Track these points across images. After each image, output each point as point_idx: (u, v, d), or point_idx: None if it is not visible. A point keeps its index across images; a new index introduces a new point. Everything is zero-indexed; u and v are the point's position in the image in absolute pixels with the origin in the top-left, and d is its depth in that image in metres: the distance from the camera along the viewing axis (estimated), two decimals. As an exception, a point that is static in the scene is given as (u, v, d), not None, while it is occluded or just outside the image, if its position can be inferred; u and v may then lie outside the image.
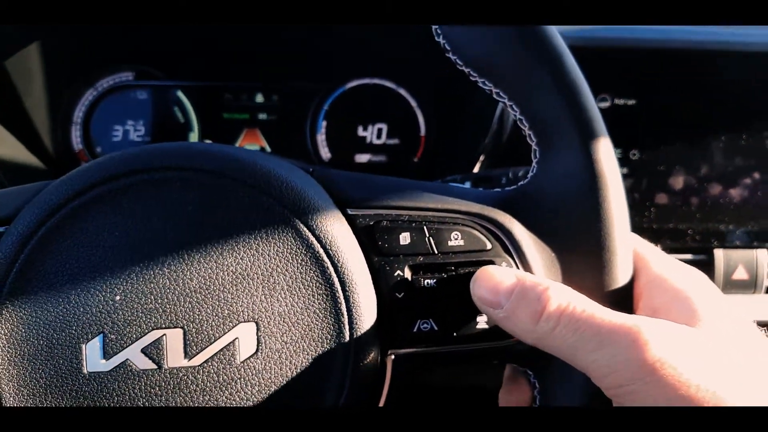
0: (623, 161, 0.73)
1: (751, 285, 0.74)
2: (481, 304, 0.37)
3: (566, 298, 0.35)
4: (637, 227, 0.73)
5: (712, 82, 0.74)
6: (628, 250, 0.38)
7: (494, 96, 0.39)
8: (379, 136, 0.86)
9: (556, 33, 0.38)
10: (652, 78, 0.74)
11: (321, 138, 0.86)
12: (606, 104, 0.73)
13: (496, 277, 0.36)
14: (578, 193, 0.37)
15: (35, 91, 0.81)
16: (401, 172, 0.86)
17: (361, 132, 0.86)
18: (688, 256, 0.74)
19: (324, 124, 0.86)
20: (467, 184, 0.60)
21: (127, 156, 0.37)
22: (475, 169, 0.76)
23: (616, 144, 0.72)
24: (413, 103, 0.86)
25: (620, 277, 0.38)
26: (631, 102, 0.73)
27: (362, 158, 0.86)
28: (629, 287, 0.38)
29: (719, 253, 0.74)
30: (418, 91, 0.86)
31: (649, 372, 0.32)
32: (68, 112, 0.84)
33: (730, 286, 0.74)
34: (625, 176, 0.73)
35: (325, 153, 0.86)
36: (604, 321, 0.33)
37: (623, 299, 0.38)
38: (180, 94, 0.85)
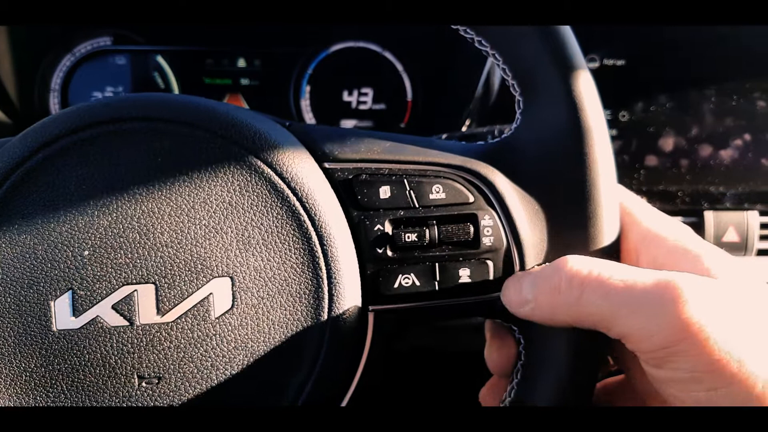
0: (612, 122, 0.72)
1: (741, 247, 0.73)
2: (514, 308, 0.36)
3: (588, 265, 0.34)
4: (627, 189, 0.72)
5: (702, 43, 0.73)
6: (614, 201, 0.37)
7: (476, 45, 0.38)
8: (364, 101, 0.84)
9: None
10: (642, 38, 0.72)
11: (305, 103, 0.84)
12: (595, 65, 0.71)
13: (517, 280, 0.36)
14: (562, 142, 0.36)
15: (11, 58, 0.79)
16: (388, 138, 0.85)
17: (346, 97, 0.84)
18: (679, 219, 0.73)
19: (308, 89, 0.84)
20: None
21: (94, 106, 0.36)
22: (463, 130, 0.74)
23: (606, 105, 0.70)
24: (399, 67, 0.84)
25: (607, 228, 0.37)
26: (620, 62, 0.72)
27: (348, 124, 0.85)
28: (617, 239, 0.37)
29: (709, 215, 0.73)
30: (404, 54, 0.84)
31: (690, 335, 0.30)
32: (46, 79, 0.82)
33: (720, 248, 0.73)
34: (614, 138, 0.72)
35: (309, 118, 0.84)
36: (637, 282, 0.32)
37: (612, 251, 0.37)
38: (160, 59, 0.83)
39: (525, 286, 0.35)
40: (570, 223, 0.37)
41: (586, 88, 0.36)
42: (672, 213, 0.73)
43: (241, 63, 0.84)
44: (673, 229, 0.37)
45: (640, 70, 0.72)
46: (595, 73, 0.73)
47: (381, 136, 0.38)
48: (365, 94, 0.84)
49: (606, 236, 0.37)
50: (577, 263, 0.34)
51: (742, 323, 0.31)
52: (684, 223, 0.73)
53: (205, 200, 0.35)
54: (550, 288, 0.34)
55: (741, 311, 0.32)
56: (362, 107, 0.84)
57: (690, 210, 0.73)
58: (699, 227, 0.73)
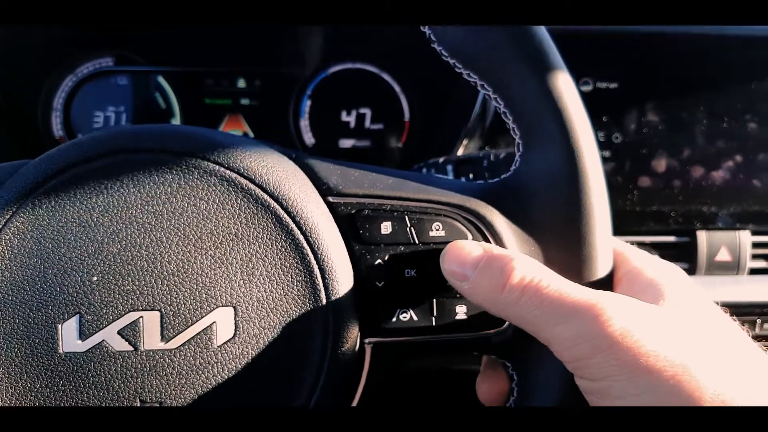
0: (606, 144, 0.73)
1: (734, 266, 0.74)
2: (450, 277, 0.37)
3: (531, 271, 0.35)
4: (621, 210, 0.73)
5: (694, 66, 0.74)
6: (608, 245, 0.38)
7: (479, 88, 0.38)
8: (363, 121, 0.86)
9: (543, 29, 0.37)
10: (634, 62, 0.74)
11: (304, 123, 0.85)
12: (588, 88, 0.73)
13: (464, 250, 0.37)
14: (560, 187, 0.37)
15: (14, 78, 0.80)
16: (386, 157, 0.86)
17: (344, 117, 0.85)
18: (672, 239, 0.74)
19: (307, 109, 0.85)
20: (449, 167, 0.60)
21: (106, 136, 0.37)
22: (459, 152, 0.76)
23: (599, 127, 0.72)
24: (396, 88, 0.85)
25: (599, 272, 0.38)
26: (613, 85, 0.73)
27: (346, 143, 0.86)
28: (609, 281, 0.38)
29: (702, 235, 0.74)
30: (401, 75, 0.85)
31: (610, 344, 0.32)
32: (48, 99, 0.83)
33: (713, 267, 0.74)
34: (607, 159, 0.73)
35: (308, 138, 0.85)
36: (569, 296, 0.33)
37: (603, 288, 0.38)
38: (161, 79, 0.84)
39: (469, 265, 0.36)
40: (564, 265, 0.37)
41: (583, 135, 0.37)
42: (665, 233, 0.74)
43: (241, 83, 0.85)
44: (655, 267, 0.38)
45: (633, 92, 0.74)
46: (588, 96, 0.74)
47: (384, 172, 0.39)
48: (363, 115, 0.85)
49: (599, 276, 0.38)
50: (522, 268, 0.35)
51: (675, 332, 0.33)
52: (677, 242, 0.74)
53: (212, 231, 0.35)
54: (493, 284, 0.35)
55: (675, 323, 0.34)
56: (361, 127, 0.86)
57: (683, 230, 0.74)
58: (692, 247, 0.74)
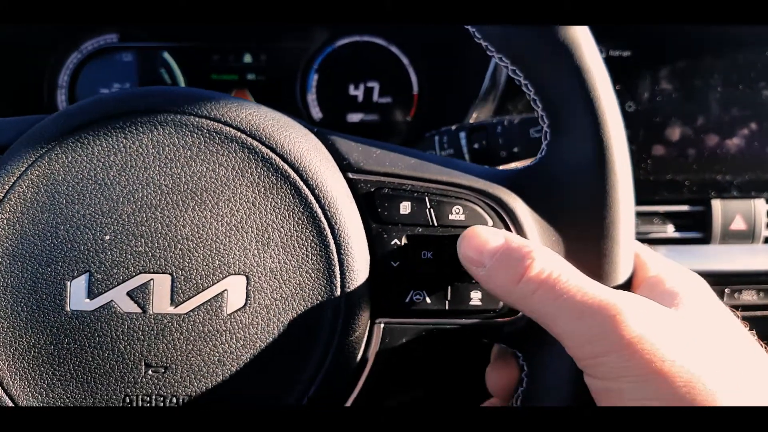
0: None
1: (749, 235, 0.73)
2: (466, 262, 0.36)
3: (551, 264, 0.34)
4: (635, 179, 0.72)
5: (707, 33, 0.73)
6: (631, 241, 0.38)
7: (510, 73, 0.38)
8: (371, 95, 0.85)
9: None
10: (647, 29, 0.73)
11: (312, 98, 0.84)
12: (601, 56, 0.71)
13: (482, 236, 0.36)
14: (587, 180, 0.36)
15: (19, 55, 0.79)
16: (394, 131, 0.85)
17: (352, 91, 0.85)
18: (686, 208, 0.73)
19: (314, 83, 0.84)
20: (462, 134, 0.59)
21: (128, 95, 0.36)
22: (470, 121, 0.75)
23: (612, 95, 0.70)
24: (405, 61, 0.84)
25: (621, 266, 0.37)
26: (626, 53, 0.72)
27: (354, 117, 0.85)
28: (629, 279, 0.38)
29: (717, 204, 0.73)
30: (409, 48, 0.84)
31: (625, 346, 0.31)
32: (53, 76, 0.82)
33: (728, 236, 0.73)
34: (621, 128, 0.72)
35: (316, 113, 0.84)
36: (587, 293, 0.33)
37: (621, 288, 0.37)
38: (166, 55, 0.83)
39: (487, 252, 0.35)
40: (585, 258, 0.37)
41: (615, 128, 0.36)
42: (679, 202, 0.73)
43: (248, 58, 0.84)
44: (676, 274, 0.38)
45: (646, 60, 0.72)
46: (601, 63, 0.73)
47: (406, 152, 0.39)
48: (371, 88, 0.84)
49: (619, 274, 0.37)
50: (541, 260, 0.34)
51: (689, 339, 0.33)
52: (691, 212, 0.74)
53: (229, 198, 0.35)
54: (510, 275, 0.34)
55: (690, 330, 0.33)
56: (369, 101, 0.85)
57: (697, 199, 0.73)
58: (707, 216, 0.73)
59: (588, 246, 0.37)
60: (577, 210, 0.37)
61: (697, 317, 0.35)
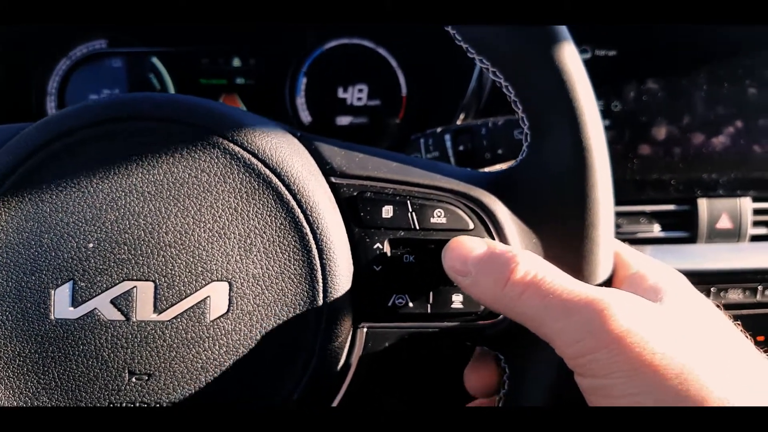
0: (605, 113, 0.72)
1: (735, 234, 0.74)
2: (451, 272, 0.36)
3: (534, 267, 0.34)
4: (621, 179, 0.73)
5: (692, 32, 0.73)
6: (610, 242, 0.38)
7: (490, 75, 0.38)
8: (360, 98, 0.85)
9: None
10: (633, 28, 0.73)
11: (300, 101, 0.84)
12: (587, 56, 0.72)
13: (466, 245, 0.36)
14: (567, 181, 0.37)
15: (7, 62, 0.79)
16: (383, 133, 0.85)
17: (341, 94, 0.85)
18: (672, 207, 0.74)
19: (303, 86, 0.84)
20: (447, 136, 0.59)
21: (111, 102, 0.36)
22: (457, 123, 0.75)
23: (598, 95, 0.71)
24: (393, 63, 0.85)
25: (601, 268, 0.37)
26: (611, 53, 0.72)
27: (343, 120, 0.85)
28: (608, 279, 0.38)
29: (703, 203, 0.74)
30: (398, 50, 0.85)
31: (614, 341, 0.31)
32: (42, 83, 0.83)
33: (714, 235, 0.74)
34: (607, 128, 0.72)
35: (305, 116, 0.85)
36: (573, 291, 0.33)
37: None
38: (155, 60, 0.83)
39: (471, 260, 0.36)
40: (565, 259, 0.37)
41: (594, 130, 0.36)
42: (665, 201, 0.74)
43: (236, 62, 0.84)
44: (657, 271, 0.38)
45: (632, 59, 0.73)
46: (587, 63, 0.73)
47: (388, 156, 0.39)
48: (360, 91, 0.85)
49: (599, 274, 0.38)
50: (525, 264, 0.34)
51: (677, 331, 0.33)
52: (677, 211, 0.74)
53: (211, 204, 0.35)
54: (495, 280, 0.35)
55: (677, 322, 0.34)
56: (357, 103, 0.85)
57: (683, 198, 0.74)
58: (692, 215, 0.74)
59: (568, 247, 0.37)
60: (557, 212, 0.37)
61: (683, 310, 0.35)
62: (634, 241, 0.73)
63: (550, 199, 0.37)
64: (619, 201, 0.72)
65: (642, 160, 0.73)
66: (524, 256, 0.35)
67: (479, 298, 0.36)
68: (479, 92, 0.76)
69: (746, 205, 0.74)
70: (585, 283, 0.35)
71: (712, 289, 0.73)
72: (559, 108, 0.36)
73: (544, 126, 0.37)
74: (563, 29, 0.37)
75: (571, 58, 0.36)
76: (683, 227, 0.74)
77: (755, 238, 0.75)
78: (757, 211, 0.75)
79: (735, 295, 0.74)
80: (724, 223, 0.74)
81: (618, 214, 0.73)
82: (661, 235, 0.74)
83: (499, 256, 0.35)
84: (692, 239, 0.74)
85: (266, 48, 0.84)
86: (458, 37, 0.38)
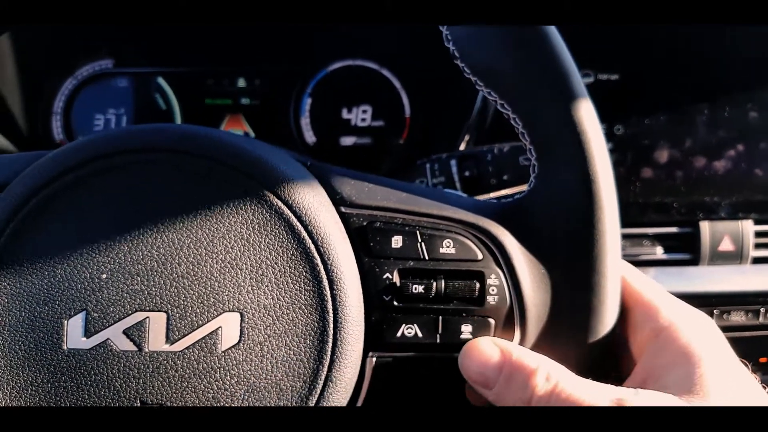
0: (608, 136, 0.73)
1: (737, 256, 0.74)
2: (471, 380, 0.37)
3: (551, 381, 0.35)
4: (623, 202, 0.73)
5: (693, 56, 0.74)
6: (618, 274, 0.38)
7: (498, 107, 0.38)
8: (363, 118, 0.86)
9: (565, 50, 0.37)
10: (635, 53, 0.74)
11: (305, 121, 0.85)
12: (589, 80, 0.73)
13: (484, 354, 0.36)
14: (575, 214, 0.37)
15: (13, 82, 0.80)
16: (387, 154, 0.86)
17: (345, 114, 0.85)
18: (674, 229, 0.74)
19: (308, 107, 0.85)
20: (453, 162, 0.60)
21: (124, 134, 0.37)
22: (461, 147, 0.76)
23: (601, 119, 0.72)
24: (397, 84, 0.85)
25: (609, 299, 0.38)
26: (614, 77, 0.73)
27: (347, 141, 0.86)
28: (617, 311, 0.38)
29: (705, 225, 0.74)
30: (401, 71, 0.85)
31: None
32: (48, 103, 0.83)
33: (716, 257, 0.74)
34: (610, 151, 0.72)
35: (309, 137, 0.85)
36: (587, 404, 0.33)
37: (611, 322, 0.38)
38: (161, 80, 0.84)
39: (490, 370, 0.36)
40: (574, 292, 0.37)
41: (602, 164, 0.37)
42: (668, 224, 0.74)
43: (241, 83, 0.85)
44: (686, 325, 0.37)
45: (634, 84, 0.74)
46: (589, 87, 0.73)
47: (398, 186, 0.39)
48: (364, 111, 0.85)
49: (607, 308, 0.38)
50: (543, 381, 0.35)
51: None
52: (680, 233, 0.74)
53: (224, 235, 0.35)
54: (519, 398, 0.35)
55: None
56: (361, 124, 0.86)
57: (686, 221, 0.74)
58: (695, 237, 0.74)
59: (576, 279, 0.37)
60: (564, 244, 0.37)
61: (716, 402, 0.34)
62: (638, 263, 0.74)
63: (557, 232, 0.38)
64: (622, 223, 0.73)
65: (644, 183, 0.74)
66: (541, 370, 0.35)
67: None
68: (483, 113, 0.77)
69: (748, 227, 0.74)
70: (592, 326, 0.35)
71: (714, 311, 0.73)
72: (566, 141, 0.37)
73: (552, 158, 0.37)
74: (570, 61, 0.37)
75: (578, 92, 0.37)
76: (686, 249, 0.75)
77: (757, 261, 0.75)
78: (759, 234, 0.75)
79: (738, 317, 0.74)
80: (726, 245, 0.74)
81: (621, 237, 0.73)
82: (664, 257, 0.74)
83: (518, 370, 0.36)
84: (695, 261, 0.74)
85: (271, 69, 0.85)
86: (467, 71, 0.38)
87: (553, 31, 0.37)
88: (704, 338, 0.37)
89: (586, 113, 0.37)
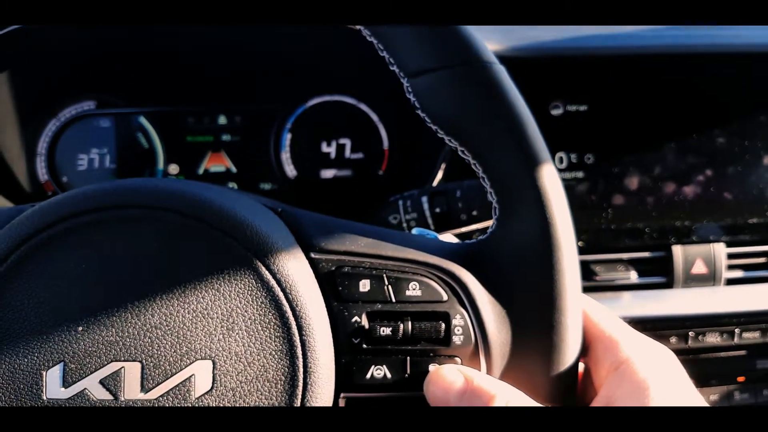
0: (578, 165, 0.75)
1: (710, 278, 0.76)
2: (436, 405, 0.38)
3: (511, 401, 0.36)
4: (596, 228, 0.75)
5: (660, 85, 0.76)
6: (578, 311, 0.40)
7: (459, 153, 0.40)
8: (343, 152, 0.87)
9: (519, 97, 0.39)
10: (603, 84, 0.76)
11: (285, 156, 0.87)
12: (559, 111, 0.74)
13: (446, 380, 0.38)
14: (534, 254, 0.38)
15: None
16: (367, 185, 0.88)
17: (325, 148, 0.87)
18: (647, 254, 0.76)
19: (288, 142, 0.87)
20: (424, 198, 0.61)
21: (97, 191, 0.38)
22: (438, 176, 0.77)
23: (571, 149, 0.73)
24: (374, 118, 0.87)
25: (570, 335, 0.39)
26: (582, 108, 0.75)
27: (328, 174, 0.87)
28: (578, 346, 0.40)
29: (677, 249, 0.76)
30: (378, 105, 0.87)
31: None
32: (32, 144, 0.84)
33: (690, 280, 0.76)
34: (580, 180, 0.75)
35: (290, 170, 0.87)
36: None
37: (573, 357, 0.39)
38: (143, 120, 0.85)
39: (453, 395, 0.37)
40: (536, 329, 0.39)
41: (558, 205, 0.38)
42: (641, 248, 0.76)
43: (222, 120, 0.86)
44: (647, 359, 0.39)
45: (603, 113, 0.75)
46: (559, 119, 0.76)
47: (365, 230, 0.41)
48: (343, 145, 0.87)
49: (569, 343, 0.39)
50: (502, 400, 0.36)
51: None
52: (653, 258, 0.76)
53: (195, 286, 0.37)
54: None
55: None
56: (341, 157, 0.87)
57: (659, 245, 0.76)
58: (668, 261, 0.76)
59: (537, 317, 0.39)
60: (525, 283, 0.39)
61: None
62: (613, 288, 0.75)
63: (518, 271, 0.39)
64: (596, 249, 0.75)
65: (616, 210, 0.75)
66: (500, 395, 0.37)
67: None
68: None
69: (720, 250, 0.76)
70: (551, 357, 0.36)
71: (690, 333, 0.75)
72: (524, 187, 0.38)
73: (511, 202, 0.39)
74: (524, 109, 0.39)
75: (534, 140, 0.38)
76: (660, 273, 0.76)
77: (730, 282, 0.77)
78: (731, 255, 0.77)
79: (713, 338, 0.76)
80: (699, 268, 0.76)
81: (595, 262, 0.75)
82: (639, 281, 0.76)
83: (478, 397, 0.37)
84: (669, 284, 0.76)
85: (251, 106, 0.87)
86: (427, 120, 0.40)
87: (505, 77, 0.39)
88: (662, 371, 0.38)
89: (544, 160, 0.38)
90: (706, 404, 0.38)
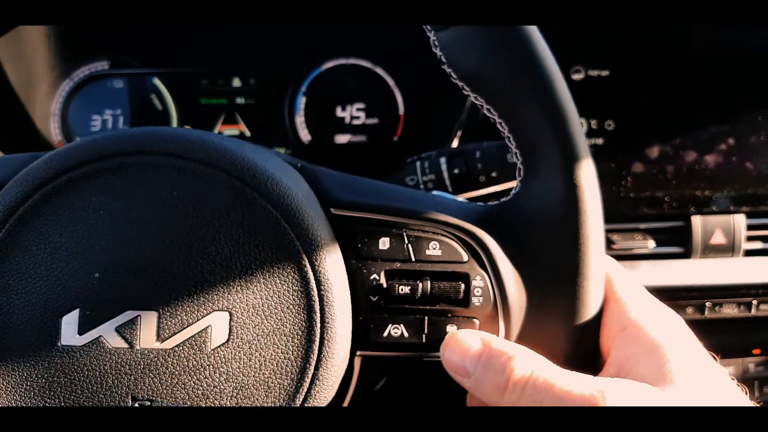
0: (599, 132, 0.73)
1: (729, 249, 0.75)
2: (452, 371, 0.38)
3: (529, 368, 0.35)
4: (615, 196, 0.74)
5: (683, 51, 0.75)
6: (601, 277, 0.39)
7: (484, 112, 0.39)
8: (358, 116, 0.86)
9: (549, 55, 0.38)
10: (625, 49, 0.74)
11: (300, 120, 0.86)
12: (580, 76, 0.73)
13: (464, 343, 0.37)
14: (558, 218, 0.38)
15: (12, 85, 0.81)
16: (382, 151, 0.87)
17: (339, 112, 0.86)
18: (666, 224, 0.75)
19: (302, 106, 0.86)
20: (442, 159, 0.61)
21: (119, 137, 0.38)
22: (453, 144, 0.76)
23: (592, 115, 0.72)
24: (390, 82, 0.86)
25: (591, 301, 0.38)
26: (604, 73, 0.74)
27: (342, 139, 0.86)
28: (599, 313, 0.39)
29: (696, 219, 0.75)
30: (394, 69, 0.86)
31: None
32: (46, 104, 0.84)
33: (708, 250, 0.75)
34: (601, 146, 0.73)
35: (304, 135, 0.86)
36: (565, 391, 0.34)
37: (593, 324, 0.39)
38: (156, 81, 0.84)
39: (469, 359, 0.37)
40: (557, 293, 0.38)
41: (585, 167, 0.37)
42: (659, 218, 0.75)
43: (236, 83, 0.85)
44: (654, 321, 0.38)
45: (625, 79, 0.74)
46: (580, 84, 0.75)
47: (386, 189, 0.40)
48: (359, 110, 0.86)
49: (591, 307, 0.38)
50: (521, 367, 0.36)
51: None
52: (671, 227, 0.75)
53: (214, 237, 0.36)
54: (495, 384, 0.36)
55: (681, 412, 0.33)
56: (356, 122, 0.86)
57: (677, 214, 0.75)
58: (686, 231, 0.75)
59: (559, 281, 0.38)
60: (548, 247, 0.38)
61: (686, 394, 0.35)
62: (630, 257, 0.74)
63: (542, 235, 0.38)
64: (614, 218, 0.74)
65: (636, 178, 0.74)
66: (519, 358, 0.36)
67: (483, 398, 0.37)
68: (474, 110, 0.77)
69: (739, 220, 0.75)
70: (575, 328, 0.35)
71: (707, 303, 0.74)
72: (549, 147, 0.37)
73: (536, 162, 0.38)
74: (554, 66, 0.38)
75: (562, 98, 0.37)
76: (678, 243, 0.75)
77: (749, 253, 0.76)
78: (751, 227, 0.76)
79: (730, 310, 0.75)
80: (718, 238, 0.75)
81: (613, 231, 0.74)
82: (656, 250, 0.75)
83: (496, 357, 0.36)
84: (687, 254, 0.75)
85: (265, 68, 0.85)
86: (454, 76, 0.39)
87: (536, 35, 0.38)
88: (670, 331, 0.38)
89: (572, 119, 0.37)
90: (715, 363, 0.37)
